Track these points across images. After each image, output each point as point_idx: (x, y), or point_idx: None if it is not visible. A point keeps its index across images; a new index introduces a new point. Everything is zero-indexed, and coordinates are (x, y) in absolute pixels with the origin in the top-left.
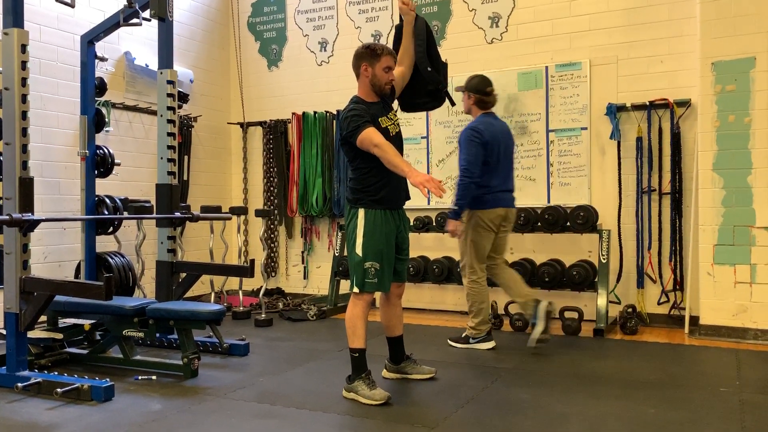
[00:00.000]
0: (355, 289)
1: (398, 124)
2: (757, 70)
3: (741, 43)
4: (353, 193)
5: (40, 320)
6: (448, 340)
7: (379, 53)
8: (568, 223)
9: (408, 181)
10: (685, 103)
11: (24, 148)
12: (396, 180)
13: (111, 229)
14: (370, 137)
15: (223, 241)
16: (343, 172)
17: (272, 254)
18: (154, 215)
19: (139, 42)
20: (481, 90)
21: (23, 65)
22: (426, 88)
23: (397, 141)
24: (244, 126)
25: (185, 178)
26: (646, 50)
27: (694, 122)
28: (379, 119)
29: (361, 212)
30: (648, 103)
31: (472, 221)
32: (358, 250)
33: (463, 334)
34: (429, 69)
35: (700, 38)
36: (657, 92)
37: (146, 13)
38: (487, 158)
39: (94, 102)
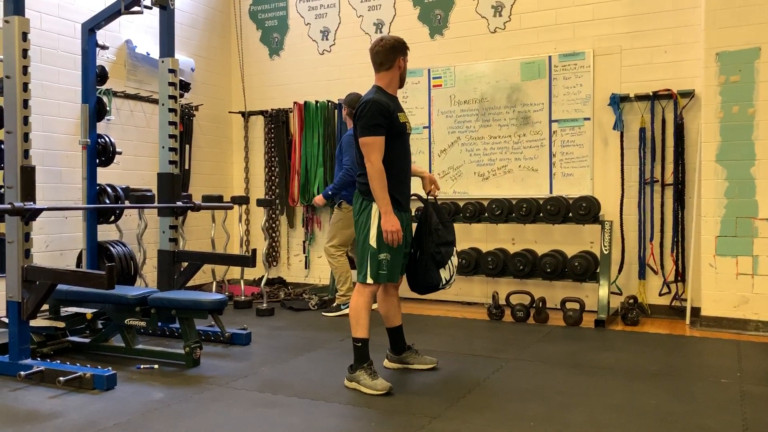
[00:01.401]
0: (369, 280)
1: None
2: (761, 60)
3: (746, 34)
4: (367, 186)
5: (42, 309)
6: (323, 314)
7: (408, 49)
8: (570, 214)
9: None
10: (688, 94)
11: (25, 137)
12: (406, 184)
13: (112, 218)
14: (371, 150)
15: (224, 231)
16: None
17: (274, 244)
18: (156, 204)
19: (140, 30)
20: (353, 105)
21: (24, 53)
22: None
23: (408, 138)
24: (246, 115)
25: (186, 167)
26: (650, 40)
27: (697, 113)
28: (398, 114)
29: (375, 206)
30: (651, 94)
31: (344, 212)
32: (372, 242)
33: (334, 304)
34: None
35: (705, 28)
36: (660, 83)
37: (147, 1)
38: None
39: (95, 90)
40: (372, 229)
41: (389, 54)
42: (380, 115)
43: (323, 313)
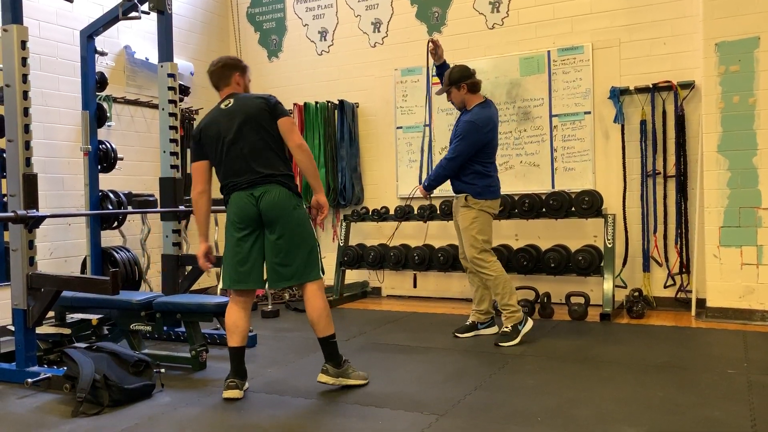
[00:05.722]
0: (323, 275)
1: None
2: (761, 49)
3: (744, 23)
4: (293, 180)
5: (47, 316)
6: (499, 344)
7: (243, 67)
8: (573, 208)
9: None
10: (688, 85)
11: (27, 145)
12: None
13: (116, 223)
14: (298, 130)
15: None
16: (347, 162)
17: None
18: (159, 209)
19: (138, 35)
20: (467, 75)
21: (23, 62)
22: None
23: None
24: None
25: (188, 171)
26: (649, 32)
27: (698, 104)
28: None
29: (303, 204)
30: (651, 86)
31: (475, 212)
32: (315, 238)
33: (507, 327)
34: None
35: (703, 19)
36: (660, 75)
37: (145, 6)
38: (493, 147)
39: (95, 97)
40: (311, 227)
41: (223, 72)
42: None
43: (500, 344)
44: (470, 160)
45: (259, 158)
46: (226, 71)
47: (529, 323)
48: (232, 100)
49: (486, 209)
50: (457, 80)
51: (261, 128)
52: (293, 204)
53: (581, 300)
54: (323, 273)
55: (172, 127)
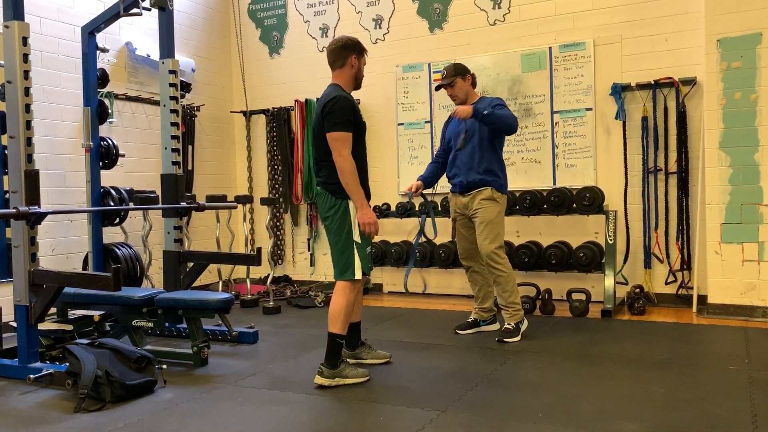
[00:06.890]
0: (359, 275)
1: None
2: (763, 46)
3: (746, 19)
4: (338, 185)
5: (50, 312)
6: (504, 341)
7: (364, 50)
8: (575, 205)
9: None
10: (690, 82)
11: (28, 141)
12: (367, 179)
13: (117, 220)
14: (343, 145)
15: (229, 230)
16: None
17: (278, 242)
18: (160, 205)
19: (140, 32)
20: (467, 69)
21: (25, 58)
22: None
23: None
24: (247, 114)
25: (189, 167)
26: (651, 29)
27: (699, 100)
28: (360, 113)
29: (351, 203)
30: (653, 82)
31: (500, 206)
32: (357, 238)
33: (509, 325)
34: None
35: (705, 15)
36: (662, 71)
37: (146, 3)
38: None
39: (96, 93)
40: (354, 225)
41: (341, 52)
42: (351, 112)
43: (504, 340)
44: (495, 149)
45: (315, 163)
46: (343, 52)
47: (526, 322)
48: (324, 94)
49: (504, 204)
50: (463, 71)
51: (318, 136)
52: (327, 206)
53: (582, 296)
54: (360, 275)
55: (173, 124)
